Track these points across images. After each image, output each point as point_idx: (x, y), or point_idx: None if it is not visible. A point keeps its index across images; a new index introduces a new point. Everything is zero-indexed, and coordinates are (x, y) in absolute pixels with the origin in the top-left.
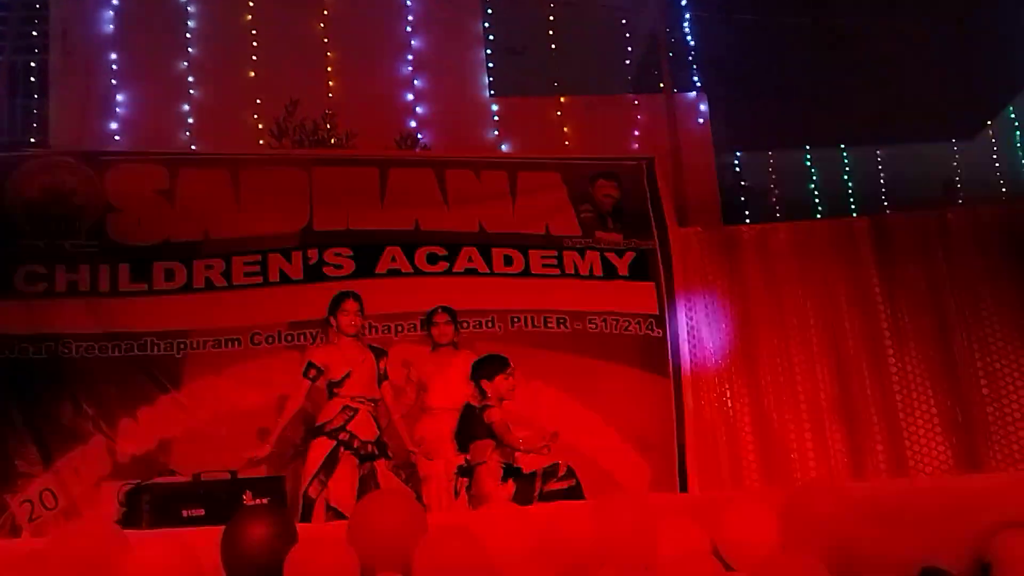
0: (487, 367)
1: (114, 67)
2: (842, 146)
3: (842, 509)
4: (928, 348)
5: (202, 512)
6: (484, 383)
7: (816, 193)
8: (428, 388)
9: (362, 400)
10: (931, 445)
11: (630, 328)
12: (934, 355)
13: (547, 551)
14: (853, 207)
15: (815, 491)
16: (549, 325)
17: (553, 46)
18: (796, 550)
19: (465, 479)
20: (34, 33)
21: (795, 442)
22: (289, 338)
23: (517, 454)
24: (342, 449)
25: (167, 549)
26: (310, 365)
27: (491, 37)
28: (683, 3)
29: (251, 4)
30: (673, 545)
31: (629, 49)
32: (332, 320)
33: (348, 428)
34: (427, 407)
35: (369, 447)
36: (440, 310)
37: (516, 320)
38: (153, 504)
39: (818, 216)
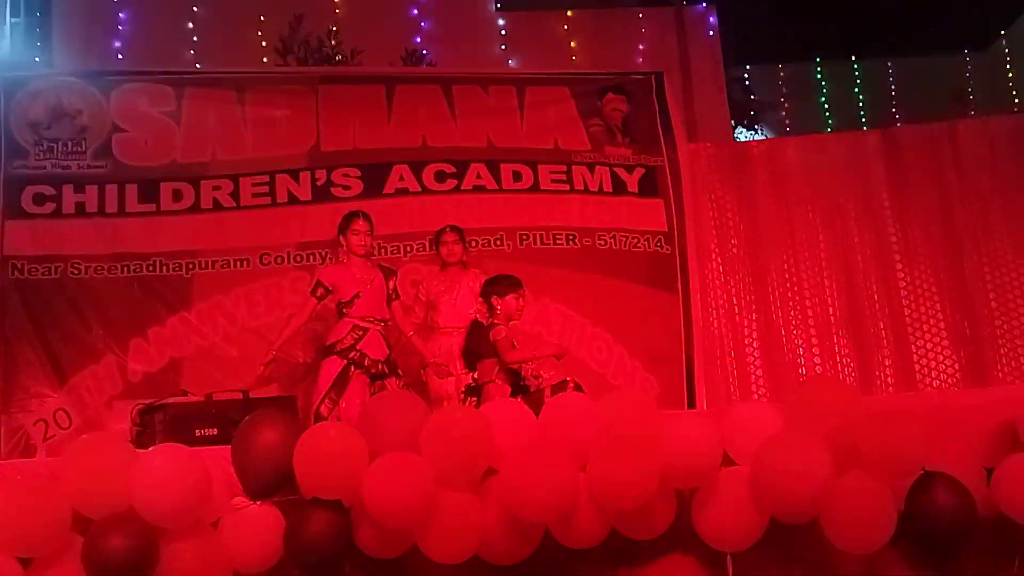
0: (500, 284)
1: None
2: (853, 58)
3: (847, 405)
4: (937, 262)
5: (215, 432)
6: (495, 299)
7: (826, 106)
8: (437, 307)
9: (372, 320)
10: (939, 359)
11: (639, 245)
12: (943, 269)
13: (550, 437)
14: (864, 120)
15: (820, 385)
16: (558, 242)
17: None
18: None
19: (474, 397)
20: None
21: (803, 357)
22: (298, 258)
23: (524, 371)
24: (352, 368)
25: (177, 461)
26: (318, 284)
27: None
28: None
29: None
30: (679, 439)
31: None
32: (342, 240)
33: (358, 347)
34: (436, 326)
35: (379, 366)
36: (448, 229)
37: (525, 237)
38: (166, 424)
39: (828, 129)
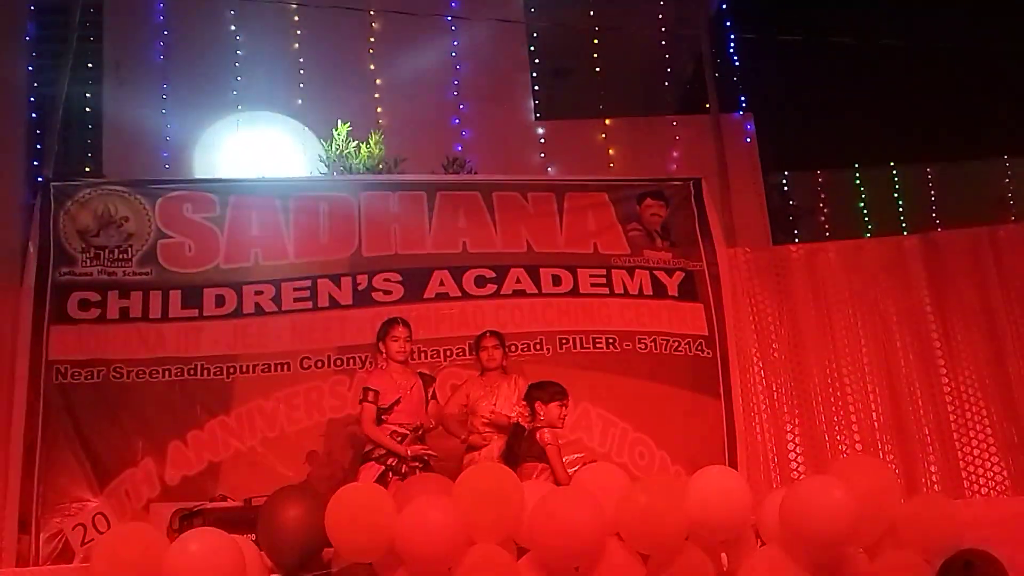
0: (546, 391)
1: (164, 97)
2: (892, 163)
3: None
4: (982, 367)
5: (254, 538)
6: (539, 405)
7: (866, 212)
8: (476, 412)
9: (410, 427)
10: (987, 465)
11: (680, 349)
12: (988, 374)
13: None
14: (904, 225)
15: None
16: (599, 346)
17: (597, 68)
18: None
19: None
20: (89, 66)
21: None
22: (338, 362)
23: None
24: (390, 474)
25: (212, 545)
26: (366, 389)
27: (536, 60)
28: (727, 23)
29: (298, 32)
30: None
31: (668, 71)
32: (381, 346)
33: (396, 453)
34: (475, 430)
35: (417, 472)
36: (488, 334)
37: (565, 341)
38: None
39: (868, 235)
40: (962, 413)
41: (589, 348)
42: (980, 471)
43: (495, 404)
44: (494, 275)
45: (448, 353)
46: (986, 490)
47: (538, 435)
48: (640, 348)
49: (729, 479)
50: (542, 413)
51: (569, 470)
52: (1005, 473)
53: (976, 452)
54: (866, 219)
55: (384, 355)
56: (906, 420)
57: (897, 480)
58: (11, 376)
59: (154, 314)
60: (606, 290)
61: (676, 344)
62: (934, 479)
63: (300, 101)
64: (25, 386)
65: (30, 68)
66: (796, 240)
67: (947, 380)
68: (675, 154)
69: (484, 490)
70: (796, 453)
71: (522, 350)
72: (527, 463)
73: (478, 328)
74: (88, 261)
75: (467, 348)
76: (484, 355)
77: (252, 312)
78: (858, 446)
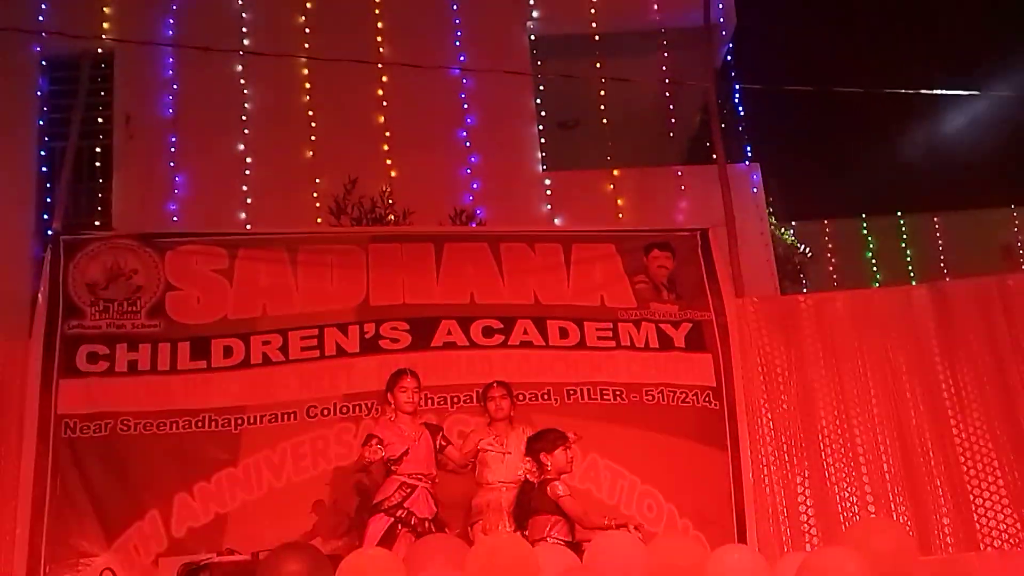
0: (546, 440)
1: (173, 150)
2: (899, 212)
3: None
4: (992, 417)
5: None
6: (543, 456)
7: (873, 261)
8: (486, 463)
9: (419, 477)
10: (999, 518)
11: (687, 400)
12: (999, 424)
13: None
14: (912, 274)
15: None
16: (605, 397)
17: (604, 120)
18: None
19: None
20: (99, 120)
21: (858, 516)
22: (344, 410)
23: (577, 531)
24: (399, 527)
25: None
26: (370, 436)
27: (543, 113)
28: (733, 74)
29: (308, 85)
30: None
31: (675, 122)
32: (390, 397)
33: (405, 505)
34: (484, 482)
35: (427, 524)
36: (496, 384)
37: (572, 392)
38: None
39: (876, 284)
40: (974, 464)
41: (596, 399)
42: (993, 523)
43: (503, 455)
44: (501, 326)
45: (455, 400)
46: (999, 542)
47: (549, 489)
48: (647, 400)
49: (747, 558)
50: (548, 463)
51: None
52: (1019, 525)
53: (989, 504)
54: (874, 268)
55: (392, 406)
56: (917, 472)
57: (912, 541)
58: (20, 429)
59: (163, 366)
60: (612, 343)
61: (683, 395)
62: (947, 531)
63: (310, 154)
64: (34, 440)
65: (41, 122)
66: (804, 290)
67: (957, 431)
68: (682, 204)
69: (500, 566)
70: (806, 506)
71: (530, 399)
72: (539, 516)
73: (485, 377)
74: (97, 314)
75: (474, 396)
76: (491, 405)
77: (260, 362)
78: (869, 498)
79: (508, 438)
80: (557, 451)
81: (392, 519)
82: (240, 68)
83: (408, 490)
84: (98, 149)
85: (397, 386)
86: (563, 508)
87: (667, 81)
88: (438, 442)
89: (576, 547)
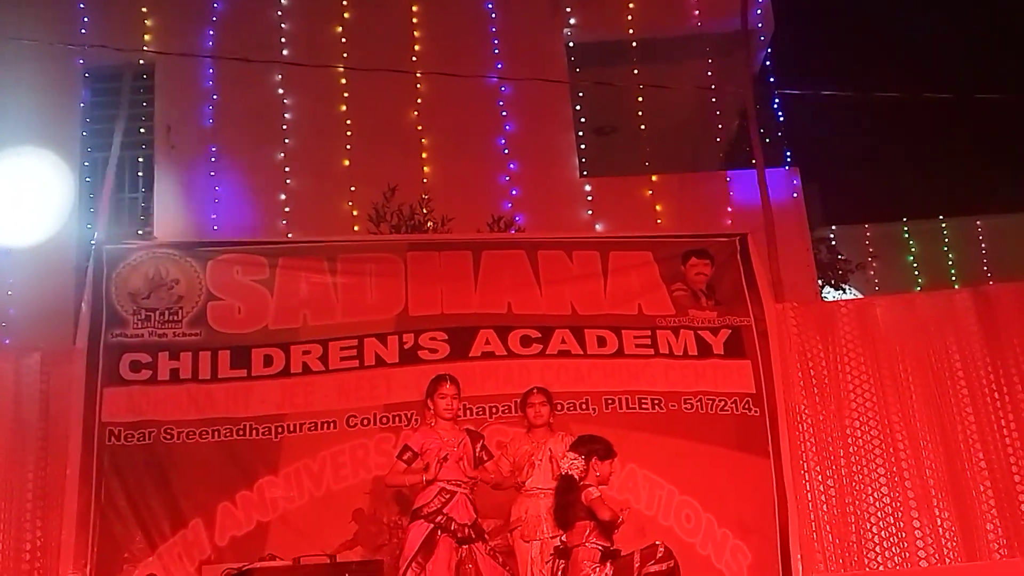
0: (599, 446)
1: (214, 160)
2: (941, 216)
3: None
4: None
5: None
6: (595, 461)
7: (915, 265)
8: (524, 469)
9: (459, 483)
10: None
11: (726, 408)
12: None
13: None
14: (954, 278)
15: None
16: (644, 406)
17: (643, 126)
18: None
19: (562, 561)
20: (141, 130)
21: (903, 522)
22: (384, 420)
23: (615, 536)
24: (439, 532)
25: None
26: (405, 448)
27: (582, 119)
28: (771, 79)
29: (346, 94)
30: None
31: (713, 127)
32: (429, 403)
33: (445, 511)
34: (523, 488)
35: (466, 530)
36: (535, 391)
37: (611, 402)
38: None
39: (918, 288)
40: (1019, 469)
41: (635, 408)
42: None
43: (542, 460)
44: (539, 335)
45: (494, 411)
46: None
47: (584, 495)
48: (686, 408)
49: None
50: (597, 470)
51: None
52: None
53: None
54: (916, 272)
55: (432, 412)
56: (962, 477)
57: None
58: (65, 437)
59: (204, 375)
60: (651, 351)
61: (723, 403)
62: (992, 537)
63: (347, 162)
64: (79, 448)
65: (84, 133)
66: (845, 294)
67: (1004, 435)
68: (722, 209)
69: None
70: (849, 513)
71: (568, 409)
72: (578, 523)
73: (524, 386)
74: (139, 323)
75: (513, 406)
76: (531, 412)
77: (300, 371)
78: (912, 503)
79: (547, 444)
80: (607, 462)
81: (432, 525)
82: (279, 78)
83: (448, 496)
84: (140, 159)
85: (436, 392)
86: (595, 512)
87: (706, 87)
88: (477, 450)
89: (614, 554)
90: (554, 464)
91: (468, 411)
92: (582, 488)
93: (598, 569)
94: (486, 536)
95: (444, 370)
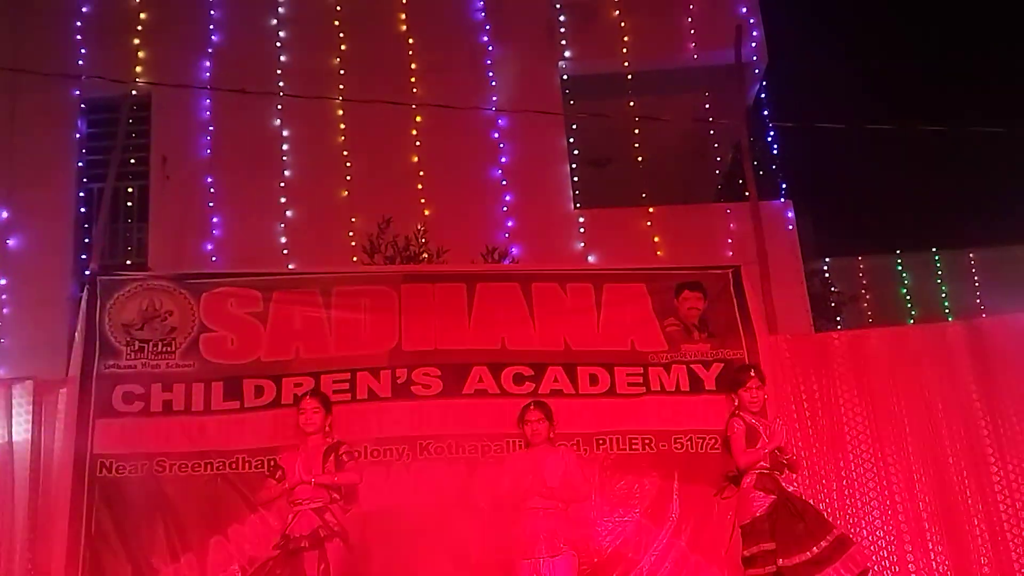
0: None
1: (211, 190)
2: (934, 249)
3: None
4: None
5: None
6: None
7: (908, 297)
8: (521, 486)
9: (302, 500)
10: None
11: (716, 447)
12: None
13: None
14: (947, 311)
15: None
16: (635, 447)
17: (639, 158)
18: None
19: None
20: (134, 160)
21: (896, 556)
22: (375, 453)
23: None
24: (287, 558)
25: None
26: (276, 465)
27: (575, 151)
28: (765, 112)
29: (343, 126)
30: None
31: (707, 159)
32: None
33: (288, 533)
34: (523, 506)
35: (302, 541)
36: (532, 406)
37: (601, 443)
38: None
39: (911, 321)
40: (1012, 503)
41: (625, 449)
42: None
43: (543, 478)
44: (532, 373)
45: (486, 449)
46: None
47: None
48: (676, 448)
49: None
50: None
51: None
52: None
53: None
54: (909, 305)
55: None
56: (955, 511)
57: None
58: (57, 468)
59: (197, 407)
60: (642, 389)
61: (713, 441)
62: (985, 571)
63: (345, 193)
64: (70, 479)
65: (80, 164)
66: (838, 327)
67: (996, 470)
68: (717, 241)
69: None
70: None
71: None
72: None
73: (515, 426)
74: (132, 354)
75: (505, 445)
76: (528, 429)
77: (290, 403)
78: (906, 537)
79: (547, 460)
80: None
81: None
82: (278, 109)
83: (292, 516)
84: (134, 190)
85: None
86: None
87: (701, 120)
88: (340, 453)
89: None
90: (557, 478)
91: (460, 448)
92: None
93: None
94: (326, 544)
95: (436, 405)
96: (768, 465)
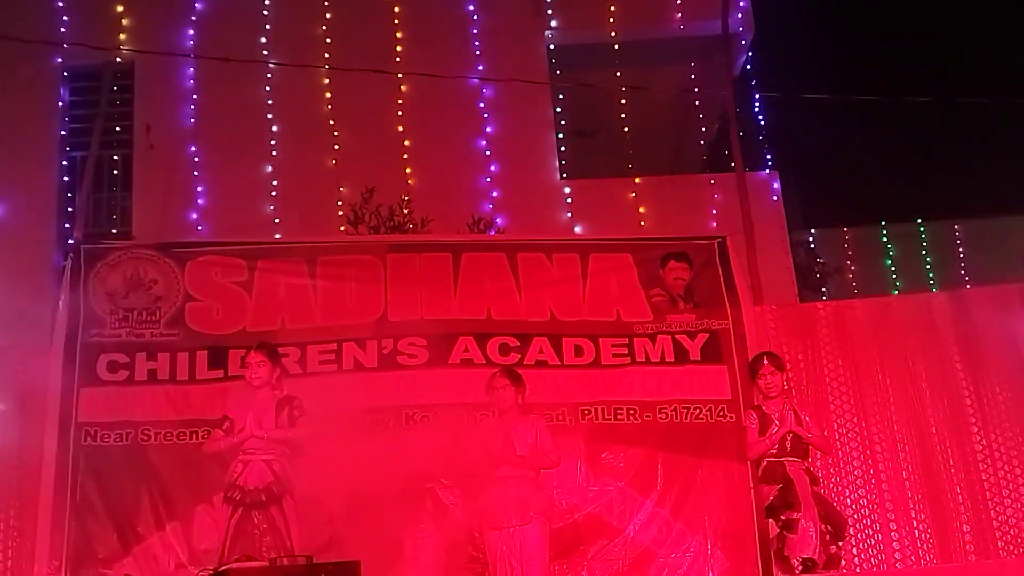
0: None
1: (195, 159)
2: (919, 220)
3: None
4: (1014, 425)
5: None
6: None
7: (893, 269)
8: (491, 455)
9: (254, 451)
10: (1020, 526)
11: (701, 416)
12: (1020, 432)
13: None
14: (932, 282)
15: None
16: (619, 417)
17: (625, 128)
18: None
19: None
20: (118, 128)
21: (879, 524)
22: (362, 423)
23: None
24: (238, 509)
25: None
26: (224, 417)
27: (562, 122)
28: (752, 82)
29: (328, 95)
30: None
31: (694, 130)
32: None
33: (238, 483)
34: (493, 474)
35: (259, 495)
36: (498, 373)
37: (587, 413)
38: None
39: (896, 292)
40: (994, 473)
41: (610, 419)
42: (1014, 531)
43: (512, 446)
44: (518, 343)
45: (472, 418)
46: (1019, 551)
47: None
48: (660, 418)
49: None
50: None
51: None
52: None
53: (1010, 511)
54: (893, 276)
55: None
56: (937, 479)
57: None
58: (41, 437)
59: (181, 376)
60: (627, 359)
61: (697, 411)
62: (967, 539)
63: (333, 162)
64: (55, 448)
65: (63, 132)
66: (823, 298)
67: (979, 439)
68: (703, 212)
69: None
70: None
71: (544, 419)
72: None
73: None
74: (116, 323)
75: (490, 414)
76: (495, 395)
77: None
78: (889, 505)
79: (517, 428)
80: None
81: (230, 506)
82: (264, 77)
83: (243, 466)
84: (118, 159)
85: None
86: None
87: (687, 90)
88: (292, 409)
89: None
90: (529, 447)
91: (447, 418)
92: None
93: None
94: (282, 501)
95: (423, 375)
96: (776, 452)
